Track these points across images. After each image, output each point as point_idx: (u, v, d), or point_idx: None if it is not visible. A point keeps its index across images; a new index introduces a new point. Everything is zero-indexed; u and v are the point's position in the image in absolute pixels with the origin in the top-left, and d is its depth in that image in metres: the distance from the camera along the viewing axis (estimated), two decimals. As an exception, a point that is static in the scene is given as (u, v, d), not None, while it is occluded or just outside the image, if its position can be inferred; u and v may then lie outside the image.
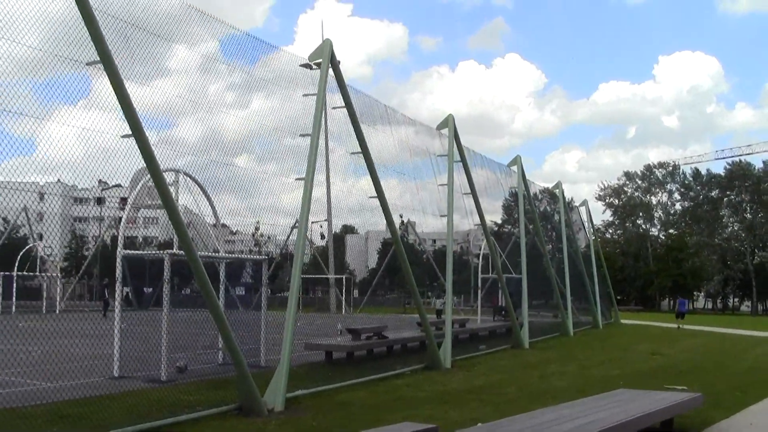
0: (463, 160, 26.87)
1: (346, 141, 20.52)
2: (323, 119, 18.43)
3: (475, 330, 33.41)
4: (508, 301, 31.71)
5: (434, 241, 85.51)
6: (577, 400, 12.72)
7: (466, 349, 26.79)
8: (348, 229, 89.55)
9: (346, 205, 22.97)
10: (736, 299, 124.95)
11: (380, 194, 20.36)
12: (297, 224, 17.18)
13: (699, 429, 12.54)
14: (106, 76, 11.37)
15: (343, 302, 65.74)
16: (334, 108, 19.38)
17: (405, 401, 15.46)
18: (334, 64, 18.14)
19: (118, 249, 18.86)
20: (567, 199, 47.35)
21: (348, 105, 19.07)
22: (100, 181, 18.18)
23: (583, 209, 57.29)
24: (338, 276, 68.03)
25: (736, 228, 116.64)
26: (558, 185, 45.14)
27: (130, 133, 11.70)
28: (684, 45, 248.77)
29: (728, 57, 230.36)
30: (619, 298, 77.82)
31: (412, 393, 16.76)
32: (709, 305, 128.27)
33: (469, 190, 27.67)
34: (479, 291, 49.02)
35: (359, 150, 19.69)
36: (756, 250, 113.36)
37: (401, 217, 34.83)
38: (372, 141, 20.54)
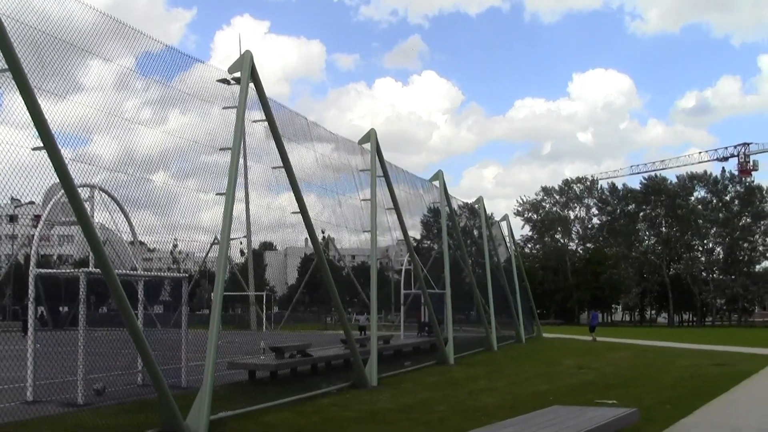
0: (385, 175, 26.55)
1: (264, 157, 20.13)
2: (243, 133, 17.97)
3: (399, 346, 33.07)
4: (432, 317, 31.43)
5: (353, 257, 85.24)
6: (512, 418, 12.39)
7: (392, 366, 26.38)
8: (267, 246, 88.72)
9: (266, 222, 22.47)
10: (653, 311, 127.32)
11: (303, 209, 19.96)
12: (216, 241, 16.66)
13: (633, 444, 12.35)
14: (16, 88, 10.80)
15: (264, 319, 65.05)
16: (254, 121, 18.96)
17: (333, 422, 15.02)
18: (255, 76, 17.67)
19: (31, 267, 18.13)
20: (487, 214, 47.35)
21: (269, 117, 18.61)
22: (12, 199, 17.45)
23: (504, 224, 57.51)
24: (258, 293, 67.33)
25: (652, 241, 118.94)
26: (479, 200, 45.13)
27: (42, 145, 11.13)
28: (597, 63, 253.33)
29: (640, 74, 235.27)
30: (539, 311, 78.38)
31: (339, 413, 16.30)
32: (627, 317, 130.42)
33: (391, 205, 27.38)
34: (402, 306, 48.75)
35: (280, 164, 19.29)
36: (672, 263, 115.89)
37: (323, 232, 34.39)
38: (292, 156, 20.13)
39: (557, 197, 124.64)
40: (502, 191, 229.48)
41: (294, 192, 19.72)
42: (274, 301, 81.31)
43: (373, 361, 22.30)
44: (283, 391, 18.84)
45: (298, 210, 19.94)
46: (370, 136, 25.78)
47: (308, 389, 19.45)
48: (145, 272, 21.83)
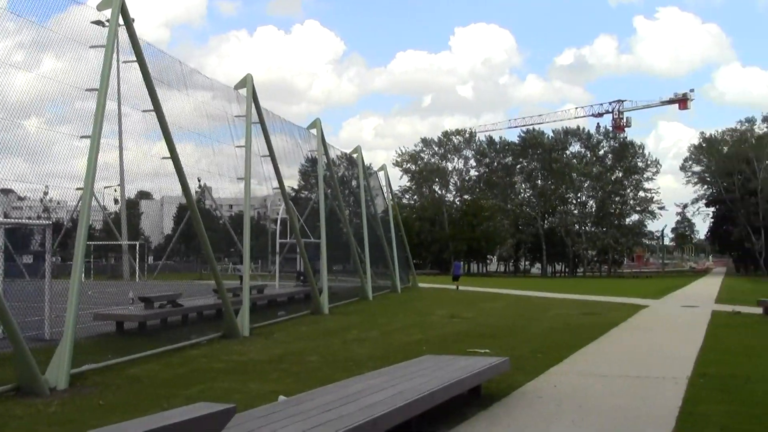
0: (261, 121, 26.03)
1: (142, 104, 19.50)
2: (117, 78, 17.41)
3: (273, 296, 32.77)
4: (306, 266, 31.16)
5: (231, 206, 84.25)
6: (384, 368, 12.25)
7: (265, 315, 26.06)
8: (143, 195, 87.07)
9: (142, 170, 21.90)
10: (527, 262, 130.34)
11: (174, 156, 19.37)
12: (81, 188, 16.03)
13: (505, 393, 12.28)
14: None
15: (137, 269, 63.89)
16: (124, 62, 18.29)
17: (201, 374, 14.61)
18: (125, 13, 16.94)
19: None
20: (366, 165, 47.07)
21: (140, 58, 17.92)
22: None
23: (381, 174, 57.27)
24: (132, 242, 66.01)
25: (528, 194, 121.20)
26: (357, 150, 44.75)
27: None
28: (479, 17, 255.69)
29: (521, 31, 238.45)
30: (416, 262, 78.90)
31: (208, 364, 15.91)
32: (502, 268, 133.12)
33: (267, 153, 26.93)
34: (277, 256, 48.36)
35: (152, 108, 18.65)
36: (546, 216, 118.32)
37: (199, 181, 33.64)
38: (169, 103, 19.71)
39: (436, 149, 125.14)
40: (381, 142, 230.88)
41: (165, 137, 19.13)
42: (149, 250, 80.00)
43: (245, 310, 21.92)
44: (152, 342, 18.34)
45: (169, 155, 19.37)
46: (247, 81, 25.23)
47: (178, 340, 19.00)
48: (4, 220, 20.93)
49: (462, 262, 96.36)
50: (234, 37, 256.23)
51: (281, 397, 10.29)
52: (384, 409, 8.50)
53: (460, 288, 51.22)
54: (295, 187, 47.95)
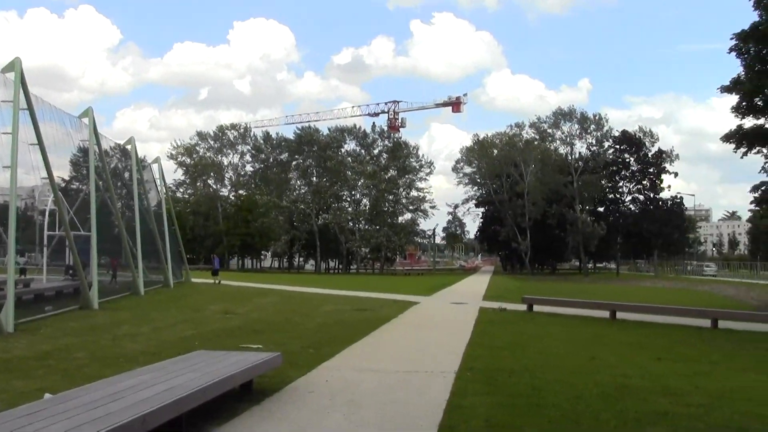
0: (29, 107, 25.06)
1: None
2: None
3: (40, 290, 31.67)
4: (76, 260, 30.22)
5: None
6: (155, 364, 12.04)
7: (31, 310, 25.12)
8: None
9: None
10: (301, 258, 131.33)
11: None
12: None
13: (277, 389, 12.32)
14: None
15: None
16: None
17: (-40, 372, 13.96)
18: None
19: None
20: (139, 157, 46.07)
21: None
22: None
23: (155, 167, 56.14)
24: None
25: (303, 191, 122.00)
26: (130, 141, 43.74)
27: None
28: (258, 12, 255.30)
29: (300, 28, 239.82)
30: (189, 257, 77.89)
31: (-32, 362, 15.21)
32: (276, 264, 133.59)
33: (36, 141, 25.93)
34: (45, 249, 46.70)
35: None
36: (320, 213, 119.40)
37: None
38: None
39: (212, 143, 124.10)
40: (156, 134, 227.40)
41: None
42: None
43: (9, 305, 21.05)
44: None
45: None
46: (15, 65, 24.25)
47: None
48: None
49: (223, 257, 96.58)
50: (2, 17, 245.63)
51: (47, 395, 9.96)
52: (153, 406, 8.38)
53: (222, 282, 52.11)
54: (66, 177, 46.43)
